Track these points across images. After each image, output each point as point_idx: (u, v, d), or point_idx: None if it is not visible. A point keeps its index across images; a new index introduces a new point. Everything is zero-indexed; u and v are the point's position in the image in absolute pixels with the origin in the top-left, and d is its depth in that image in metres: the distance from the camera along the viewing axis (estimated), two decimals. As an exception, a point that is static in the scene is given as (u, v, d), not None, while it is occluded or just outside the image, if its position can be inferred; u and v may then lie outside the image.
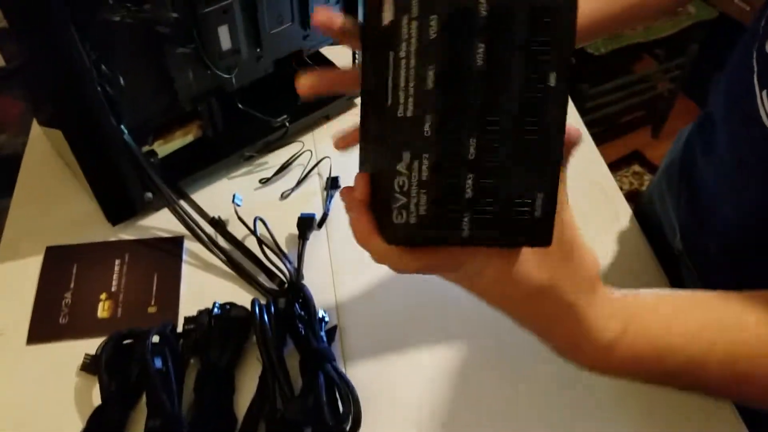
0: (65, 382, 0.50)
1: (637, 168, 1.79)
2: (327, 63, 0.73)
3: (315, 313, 0.52)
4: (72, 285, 0.56)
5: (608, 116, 1.67)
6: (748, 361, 0.29)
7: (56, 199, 0.63)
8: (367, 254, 0.28)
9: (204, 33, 0.53)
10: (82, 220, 0.61)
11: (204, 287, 0.56)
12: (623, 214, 0.65)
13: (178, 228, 0.58)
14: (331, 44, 0.68)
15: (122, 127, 0.53)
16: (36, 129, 0.71)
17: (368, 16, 0.27)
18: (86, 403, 0.49)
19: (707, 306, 0.31)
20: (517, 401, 0.50)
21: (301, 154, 0.67)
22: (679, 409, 0.49)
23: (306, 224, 0.60)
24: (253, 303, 0.51)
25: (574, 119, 0.76)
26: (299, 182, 0.65)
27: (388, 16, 0.24)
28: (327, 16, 0.30)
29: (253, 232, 0.58)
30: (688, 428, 0.48)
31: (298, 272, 0.57)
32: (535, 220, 0.24)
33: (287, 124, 0.66)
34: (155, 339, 0.48)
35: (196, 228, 0.57)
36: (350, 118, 0.72)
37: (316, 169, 0.67)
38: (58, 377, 0.50)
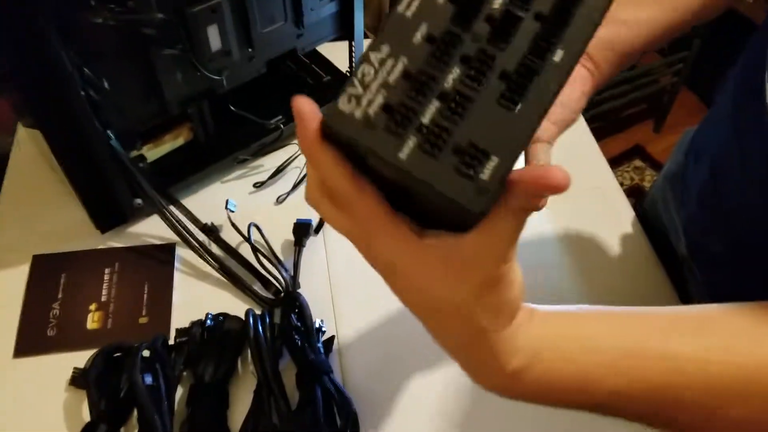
0: (54, 397, 0.48)
1: (638, 163, 1.77)
2: (324, 62, 0.71)
3: (312, 323, 0.50)
4: (60, 295, 0.54)
5: (610, 110, 1.66)
6: (674, 391, 0.27)
7: (44, 204, 0.61)
8: (365, 261, 0.27)
9: (192, 34, 0.51)
10: (70, 227, 0.59)
11: (196, 296, 0.55)
12: (625, 218, 0.63)
13: (170, 235, 0.56)
14: (331, 40, 0.66)
15: (108, 132, 0.51)
16: (22, 130, 0.69)
17: None
18: (76, 419, 0.48)
19: (633, 328, 0.28)
20: (516, 412, 0.48)
21: (296, 157, 0.65)
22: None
23: (302, 230, 0.58)
24: (247, 314, 0.49)
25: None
26: (295, 186, 0.63)
27: None
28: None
29: (248, 239, 0.56)
30: None
31: (294, 280, 0.55)
32: (477, 181, 0.22)
33: (282, 126, 0.64)
34: (146, 353, 0.47)
35: (187, 235, 0.55)
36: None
37: (311, 172, 0.65)
38: (47, 392, 0.49)
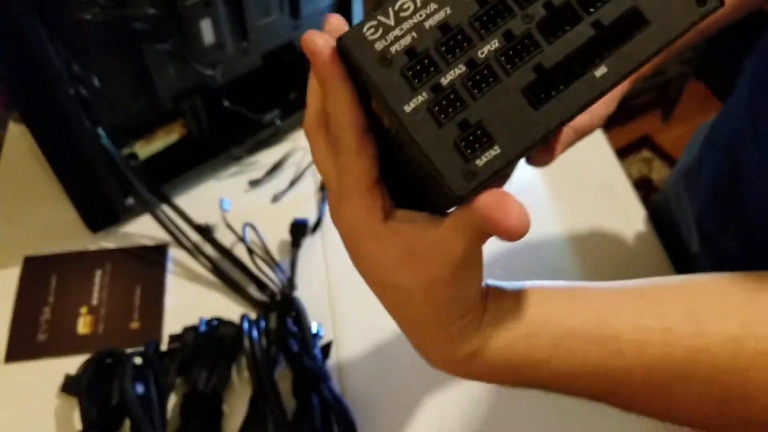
0: (45, 404, 0.47)
1: (646, 154, 1.74)
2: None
3: (309, 328, 0.49)
4: (51, 299, 0.52)
5: (617, 100, 1.62)
6: (616, 374, 0.26)
7: (35, 202, 0.60)
8: (329, 216, 0.26)
9: (185, 28, 0.49)
10: (61, 226, 0.57)
11: (190, 299, 0.53)
12: (636, 217, 0.61)
13: (163, 235, 0.55)
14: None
15: (99, 129, 0.49)
16: (14, 125, 0.67)
17: None
18: (67, 427, 0.46)
19: (580, 307, 0.27)
20: (520, 420, 0.47)
21: (293, 154, 0.63)
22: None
23: (299, 230, 0.56)
24: (242, 320, 0.47)
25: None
26: (292, 183, 0.62)
27: None
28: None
29: (243, 240, 0.55)
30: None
31: (290, 283, 0.53)
32: (470, 164, 0.20)
33: (278, 121, 0.62)
34: (138, 360, 0.45)
35: (181, 235, 0.54)
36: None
37: (309, 170, 0.63)
38: (38, 399, 0.47)
